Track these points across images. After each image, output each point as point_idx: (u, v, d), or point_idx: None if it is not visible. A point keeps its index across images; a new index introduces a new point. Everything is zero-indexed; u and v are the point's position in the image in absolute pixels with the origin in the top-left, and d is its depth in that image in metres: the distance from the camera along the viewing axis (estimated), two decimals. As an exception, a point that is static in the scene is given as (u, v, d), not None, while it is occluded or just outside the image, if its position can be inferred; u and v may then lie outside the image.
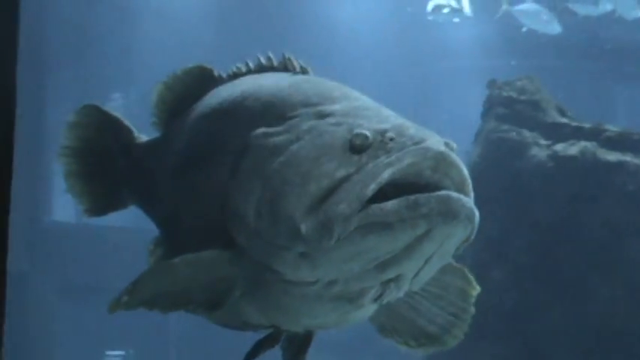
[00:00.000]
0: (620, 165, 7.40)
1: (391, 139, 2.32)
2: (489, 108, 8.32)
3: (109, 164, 3.42)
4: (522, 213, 7.45)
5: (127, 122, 3.43)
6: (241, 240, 2.53)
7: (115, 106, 14.53)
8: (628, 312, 7.06)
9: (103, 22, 12.91)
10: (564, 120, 8.12)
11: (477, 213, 2.25)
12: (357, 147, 2.33)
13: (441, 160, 2.24)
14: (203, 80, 3.19)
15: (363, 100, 2.67)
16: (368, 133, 2.34)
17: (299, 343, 2.91)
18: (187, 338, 13.93)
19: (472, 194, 2.29)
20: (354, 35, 14.20)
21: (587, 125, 7.98)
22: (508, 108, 8.20)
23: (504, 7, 13.14)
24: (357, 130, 2.37)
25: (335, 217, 2.25)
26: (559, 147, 7.72)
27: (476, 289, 2.91)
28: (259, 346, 2.90)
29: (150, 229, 3.38)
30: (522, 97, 8.26)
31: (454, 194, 2.22)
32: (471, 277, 2.91)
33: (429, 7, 13.61)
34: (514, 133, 8.01)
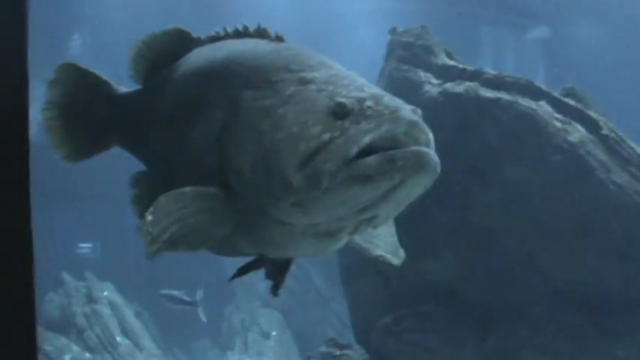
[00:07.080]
0: (496, 100, 8.12)
1: (369, 107, 2.48)
2: (391, 50, 9.08)
3: (91, 114, 3.48)
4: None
5: (104, 76, 3.52)
6: (238, 188, 2.70)
7: (76, 45, 15.23)
8: (502, 217, 8.00)
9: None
10: (452, 63, 8.80)
11: (439, 165, 2.42)
12: (339, 113, 2.49)
13: (412, 127, 2.41)
14: (181, 41, 3.30)
15: (337, 68, 2.80)
16: (347, 102, 2.50)
17: (281, 266, 3.18)
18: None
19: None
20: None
21: (470, 68, 8.61)
22: (407, 51, 8.93)
23: None
24: (339, 99, 2.52)
25: (323, 172, 2.43)
26: (448, 85, 8.41)
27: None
28: (246, 269, 3.16)
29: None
30: (418, 43, 8.98)
31: (424, 149, 2.40)
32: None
33: None
34: (412, 73, 8.74)
